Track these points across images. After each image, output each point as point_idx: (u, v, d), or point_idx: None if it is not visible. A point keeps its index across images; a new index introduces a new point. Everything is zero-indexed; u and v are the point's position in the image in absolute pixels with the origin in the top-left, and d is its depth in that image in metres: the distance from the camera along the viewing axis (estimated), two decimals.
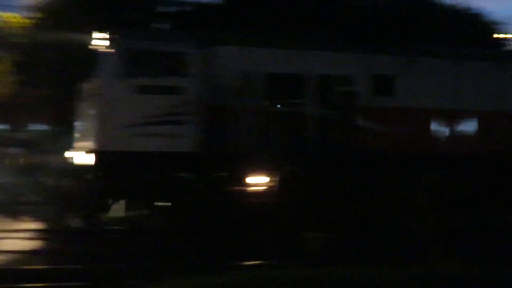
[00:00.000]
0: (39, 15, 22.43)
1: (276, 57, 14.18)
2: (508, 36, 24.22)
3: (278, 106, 14.14)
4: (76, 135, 14.47)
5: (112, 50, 13.35)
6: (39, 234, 13.93)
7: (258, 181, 13.77)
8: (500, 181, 15.02)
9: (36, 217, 15.40)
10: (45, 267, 10.80)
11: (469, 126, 15.33)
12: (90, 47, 13.95)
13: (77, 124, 14.57)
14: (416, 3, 20.98)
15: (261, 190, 13.77)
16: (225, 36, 14.21)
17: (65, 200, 13.89)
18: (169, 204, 13.50)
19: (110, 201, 13.89)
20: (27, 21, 22.99)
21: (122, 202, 14.86)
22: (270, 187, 13.82)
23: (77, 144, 14.11)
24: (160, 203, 13.61)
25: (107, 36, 13.47)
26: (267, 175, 13.88)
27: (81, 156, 13.39)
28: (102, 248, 12.44)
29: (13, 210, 16.03)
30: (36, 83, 22.13)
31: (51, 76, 21.05)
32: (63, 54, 19.95)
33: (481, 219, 15.25)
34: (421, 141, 14.84)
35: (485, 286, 8.30)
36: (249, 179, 13.73)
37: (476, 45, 18.62)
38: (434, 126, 15.03)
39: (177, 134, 13.37)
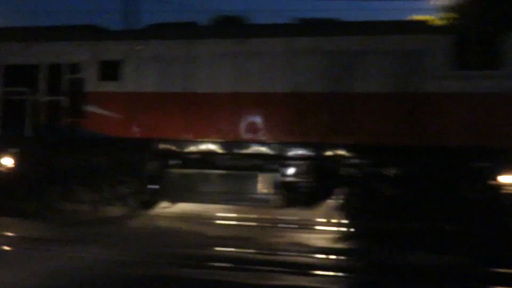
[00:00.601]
0: (451, 15, 21.21)
1: (13, 50, 15.79)
2: None
3: (12, 95, 15.64)
4: None
5: None
6: None
7: None
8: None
9: None
10: None
11: (204, 112, 14.57)
12: None
13: None
14: None
15: None
16: None
17: None
18: None
19: None
20: (442, 22, 20.01)
21: None
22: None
23: None
24: None
25: None
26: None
27: None
28: None
29: None
30: None
31: None
32: None
33: None
34: (150, 126, 14.96)
35: None
36: None
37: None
38: (164, 111, 14.80)
39: None
